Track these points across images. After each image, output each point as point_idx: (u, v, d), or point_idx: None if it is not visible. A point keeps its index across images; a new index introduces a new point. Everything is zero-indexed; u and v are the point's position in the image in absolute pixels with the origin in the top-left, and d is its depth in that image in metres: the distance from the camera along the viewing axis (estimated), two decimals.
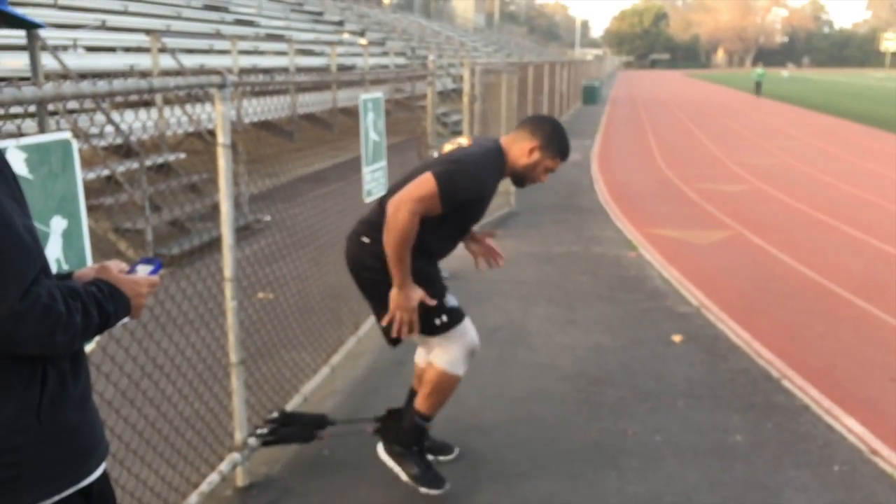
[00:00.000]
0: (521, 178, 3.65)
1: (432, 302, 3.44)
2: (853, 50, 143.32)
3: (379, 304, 3.58)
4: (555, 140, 3.58)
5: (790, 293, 7.10)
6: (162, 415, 3.72)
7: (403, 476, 3.73)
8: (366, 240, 3.52)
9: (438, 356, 3.61)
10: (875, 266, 8.04)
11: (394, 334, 3.51)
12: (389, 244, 3.28)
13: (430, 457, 3.95)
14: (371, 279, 3.54)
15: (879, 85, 59.83)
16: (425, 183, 3.31)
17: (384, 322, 3.52)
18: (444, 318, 3.53)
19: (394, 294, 3.40)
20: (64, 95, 2.56)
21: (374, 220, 3.54)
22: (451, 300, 3.60)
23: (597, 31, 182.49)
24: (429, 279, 3.55)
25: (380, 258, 3.44)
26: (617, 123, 26.95)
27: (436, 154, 3.69)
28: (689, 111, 33.17)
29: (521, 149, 3.56)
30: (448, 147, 3.64)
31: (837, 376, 5.24)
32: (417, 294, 3.39)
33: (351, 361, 5.35)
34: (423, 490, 3.70)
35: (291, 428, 3.97)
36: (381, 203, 3.57)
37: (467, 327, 3.63)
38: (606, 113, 31.71)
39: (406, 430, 3.75)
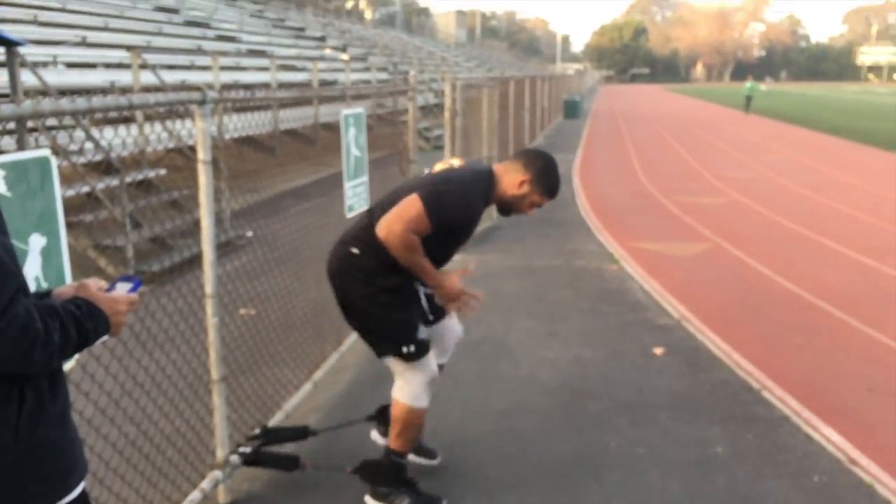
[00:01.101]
0: (507, 208, 3.69)
1: (468, 271, 3.68)
2: (829, 63, 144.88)
3: (360, 319, 3.61)
4: (545, 177, 3.62)
5: (769, 305, 7.15)
6: (143, 433, 3.70)
7: None
8: (355, 251, 3.52)
9: (401, 391, 3.64)
10: (852, 278, 8.12)
11: (467, 314, 3.66)
12: (404, 260, 3.38)
13: (412, 457, 3.97)
14: (354, 292, 3.55)
15: (855, 98, 60.48)
16: (412, 204, 3.35)
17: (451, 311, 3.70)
18: (412, 348, 3.56)
19: (440, 294, 3.54)
20: (42, 112, 2.54)
21: (361, 234, 3.56)
22: (422, 332, 3.62)
23: (577, 46, 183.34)
24: (407, 302, 3.60)
25: (366, 271, 3.46)
26: (598, 137, 27.09)
27: (426, 171, 3.71)
28: (668, 125, 33.39)
29: (511, 179, 3.59)
30: (439, 166, 3.67)
31: (816, 387, 5.29)
32: (453, 278, 3.51)
33: (333, 377, 5.34)
34: None
35: (274, 452, 3.96)
36: (369, 216, 3.59)
37: (430, 359, 3.65)
38: (587, 127, 31.86)
39: (385, 470, 3.76)
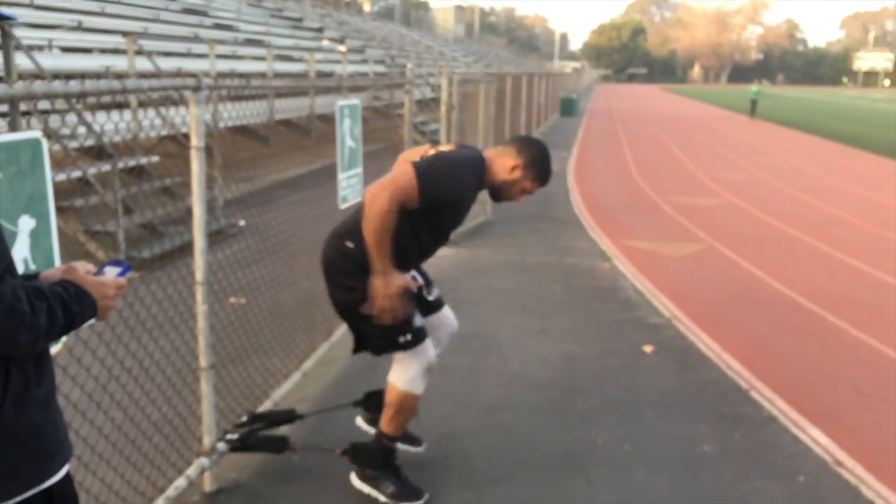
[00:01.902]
0: (498, 193, 3.67)
1: (415, 286, 3.51)
2: (826, 68, 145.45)
3: (354, 315, 3.59)
4: (538, 164, 3.60)
5: (760, 306, 7.17)
6: (129, 418, 3.70)
7: (382, 497, 3.71)
8: (350, 245, 3.51)
9: (398, 375, 3.63)
10: (843, 281, 8.15)
11: (377, 321, 3.47)
12: (369, 231, 3.28)
13: (398, 444, 3.98)
14: (346, 285, 3.53)
15: (851, 103, 60.63)
16: (404, 173, 3.33)
17: (365, 311, 3.48)
18: (409, 336, 3.55)
19: (375, 283, 3.38)
20: (35, 94, 2.54)
21: (355, 226, 3.54)
22: (418, 320, 3.61)
23: (575, 44, 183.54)
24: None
25: (359, 264, 3.44)
26: (594, 136, 27.12)
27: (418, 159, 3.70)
28: (664, 125, 33.46)
29: (503, 164, 3.58)
30: (431, 152, 3.66)
31: (804, 389, 5.30)
32: (398, 280, 3.39)
33: (323, 367, 5.33)
34: None
35: (261, 435, 3.96)
36: (361, 208, 3.59)
37: (428, 346, 3.64)
38: (583, 125, 31.90)
39: (375, 453, 3.76)
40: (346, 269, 3.51)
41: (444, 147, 3.71)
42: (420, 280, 3.75)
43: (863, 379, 5.48)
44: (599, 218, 11.48)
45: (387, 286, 3.37)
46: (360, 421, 4.21)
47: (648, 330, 6.38)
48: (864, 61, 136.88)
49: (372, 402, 4.12)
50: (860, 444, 4.51)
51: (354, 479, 3.78)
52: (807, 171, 18.05)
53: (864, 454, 4.38)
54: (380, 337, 3.59)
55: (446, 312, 3.97)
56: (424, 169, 3.35)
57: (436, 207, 3.41)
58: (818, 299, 7.38)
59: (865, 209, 12.68)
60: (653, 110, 46.75)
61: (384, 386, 4.03)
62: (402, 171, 3.36)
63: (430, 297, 3.87)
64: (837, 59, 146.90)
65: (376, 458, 3.75)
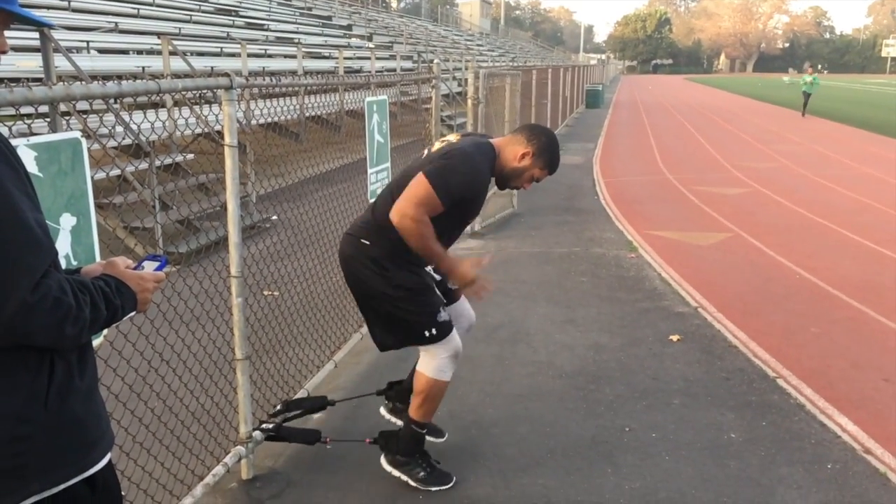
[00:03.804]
0: (506, 181, 3.72)
1: (486, 260, 3.65)
2: (853, 56, 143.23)
3: (366, 305, 3.70)
4: (547, 151, 3.64)
5: (787, 295, 7.17)
6: (168, 408, 3.80)
7: (411, 482, 3.81)
8: (366, 242, 3.59)
9: (426, 364, 3.71)
10: (871, 268, 8.12)
11: (479, 299, 3.63)
12: (417, 248, 3.41)
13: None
14: (371, 288, 3.62)
15: (879, 90, 59.78)
16: (419, 185, 3.38)
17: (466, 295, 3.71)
18: (434, 331, 3.62)
19: (455, 279, 3.53)
20: (73, 96, 2.61)
21: (371, 222, 3.61)
22: (443, 315, 3.67)
23: (601, 36, 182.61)
24: (424, 291, 3.65)
25: (375, 261, 3.52)
26: (619, 127, 27.01)
27: (426, 151, 3.75)
28: (690, 115, 33.23)
29: (513, 152, 3.62)
30: (438, 145, 3.70)
31: (832, 376, 5.32)
32: (466, 265, 3.49)
33: (354, 358, 5.43)
34: (434, 489, 3.80)
35: (296, 428, 4.05)
36: (376, 203, 3.66)
37: (454, 335, 3.71)
38: (609, 116, 31.76)
39: (405, 440, 3.85)
40: (367, 268, 3.59)
41: (453, 137, 3.74)
42: (489, 256, 3.79)
43: (891, 366, 5.48)
44: (625, 208, 11.49)
45: (462, 277, 3.49)
46: (383, 410, 4.29)
47: (675, 319, 6.41)
48: (893, 48, 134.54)
49: (394, 392, 4.21)
50: (888, 431, 4.52)
51: (385, 464, 3.88)
52: (833, 158, 17.88)
53: (892, 441, 4.39)
54: (406, 332, 3.67)
55: (465, 304, 4.04)
56: (436, 175, 3.39)
57: (458, 203, 3.47)
58: (845, 287, 7.37)
59: (893, 196, 12.57)
60: (678, 101, 46.38)
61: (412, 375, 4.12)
62: (415, 183, 3.40)
63: (453, 287, 3.93)
64: (865, 47, 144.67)
65: (406, 445, 3.84)
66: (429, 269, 3.74)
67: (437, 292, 3.73)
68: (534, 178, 3.68)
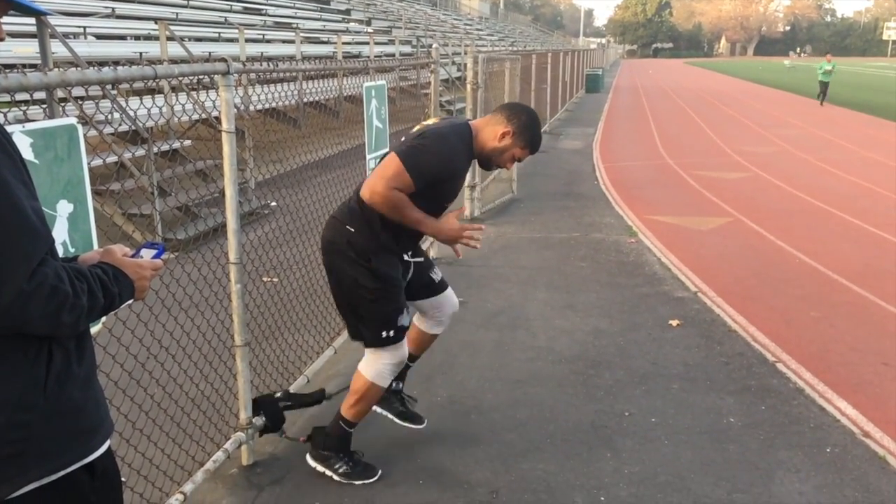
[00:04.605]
0: (487, 161, 3.69)
1: (463, 209, 3.61)
2: (855, 39, 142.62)
3: (348, 301, 3.66)
4: (528, 130, 3.60)
5: (787, 279, 7.17)
6: (168, 395, 3.80)
7: (335, 476, 3.79)
8: (351, 228, 3.53)
9: (368, 366, 3.71)
10: (871, 253, 8.12)
11: (475, 248, 3.65)
12: (396, 219, 3.42)
13: (399, 422, 4.10)
14: (345, 274, 3.58)
15: (881, 73, 59.59)
16: (389, 162, 3.40)
17: (459, 256, 3.71)
18: (391, 333, 3.61)
19: (443, 236, 3.52)
20: (69, 81, 2.59)
21: (356, 209, 3.59)
22: (404, 319, 3.66)
23: (601, 20, 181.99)
24: (392, 288, 3.61)
25: (358, 250, 3.50)
26: (619, 111, 26.96)
27: (403, 138, 3.74)
28: (690, 99, 33.17)
29: (493, 132, 3.58)
30: (416, 128, 3.68)
31: (831, 360, 5.33)
32: (450, 219, 3.50)
33: (354, 344, 5.38)
34: (358, 483, 3.77)
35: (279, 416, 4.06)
36: (357, 189, 3.64)
37: (403, 344, 3.71)
38: (609, 101, 31.70)
39: (331, 436, 3.83)
40: (344, 255, 3.54)
41: (430, 121, 3.73)
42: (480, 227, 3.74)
43: (890, 350, 5.48)
44: (625, 193, 11.48)
45: (447, 232, 3.50)
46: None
47: (674, 304, 6.41)
48: (894, 31, 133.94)
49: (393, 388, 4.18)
50: (887, 415, 4.54)
51: (309, 459, 3.86)
52: (834, 142, 17.86)
53: (891, 425, 4.41)
54: (366, 328, 3.65)
55: (449, 293, 4.01)
56: (408, 154, 3.39)
57: (432, 184, 3.45)
58: (845, 271, 7.37)
59: (894, 180, 12.54)
60: (678, 85, 46.27)
61: (413, 358, 4.13)
62: (387, 162, 3.41)
63: (437, 278, 3.92)
64: (866, 30, 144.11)
65: (332, 441, 3.83)
66: (407, 257, 3.72)
67: (403, 297, 3.69)
68: (515, 157, 3.64)
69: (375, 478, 3.80)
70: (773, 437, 4.25)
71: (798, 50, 41.79)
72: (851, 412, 4.55)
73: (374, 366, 3.69)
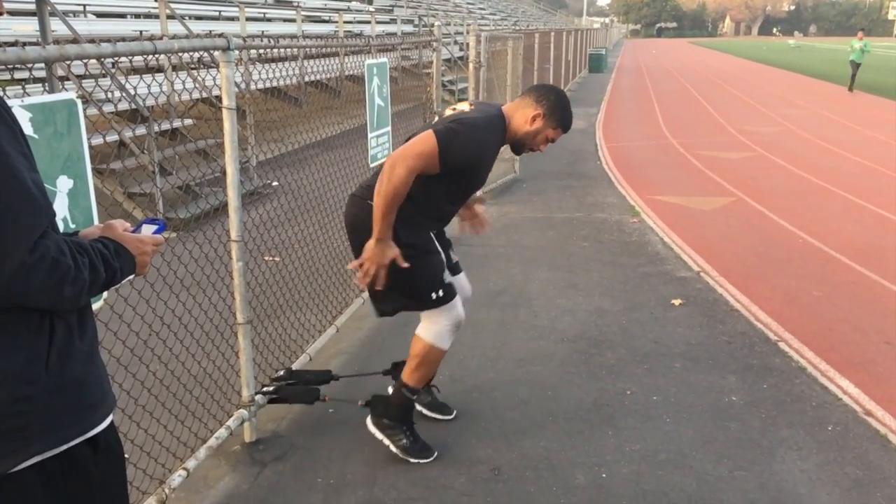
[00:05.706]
0: (521, 146, 3.67)
1: (405, 264, 3.42)
2: (860, 18, 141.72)
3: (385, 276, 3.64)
4: (559, 110, 3.58)
5: (790, 259, 7.16)
6: (171, 372, 3.81)
7: (393, 448, 3.79)
8: (371, 203, 3.53)
9: (426, 329, 3.68)
10: (875, 232, 8.10)
11: (359, 284, 3.54)
12: (380, 195, 3.30)
13: (427, 412, 4.10)
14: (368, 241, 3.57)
15: (885, 53, 59.28)
16: (426, 139, 3.32)
17: (351, 266, 3.54)
18: (441, 292, 3.59)
19: (370, 245, 3.40)
20: (68, 55, 2.56)
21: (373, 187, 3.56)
22: (448, 276, 3.65)
23: (604, 0, 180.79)
24: (431, 251, 3.60)
25: None
26: (622, 91, 26.85)
27: (436, 119, 3.71)
28: (693, 79, 33.01)
29: (524, 116, 3.56)
30: (448, 112, 3.65)
31: (833, 339, 5.33)
32: (392, 251, 3.40)
33: (356, 322, 5.43)
34: (413, 460, 3.78)
35: (296, 387, 4.06)
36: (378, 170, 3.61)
37: (457, 303, 3.69)
38: (612, 81, 31.56)
39: (395, 405, 3.81)
40: (367, 226, 3.46)
41: (464, 106, 3.67)
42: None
43: (892, 329, 5.48)
44: (628, 173, 11.45)
45: (381, 254, 3.39)
46: (391, 390, 4.25)
47: (677, 283, 6.41)
48: None
49: (399, 371, 4.17)
50: (889, 393, 4.54)
51: (370, 425, 3.85)
52: (838, 122, 17.78)
53: (893, 403, 4.41)
54: (412, 299, 3.63)
55: (463, 278, 4.01)
56: (445, 135, 3.33)
57: (456, 172, 3.42)
58: (848, 251, 7.35)
59: None
60: (682, 64, 46.06)
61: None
62: (422, 137, 3.34)
63: (454, 260, 3.91)
64: (871, 9, 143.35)
65: (395, 410, 3.81)
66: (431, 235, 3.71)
67: (441, 258, 3.69)
68: (548, 138, 3.62)
69: (431, 458, 3.80)
70: (775, 415, 4.25)
71: (777, 30, 40.91)
72: (853, 391, 4.55)
73: (433, 328, 3.66)
